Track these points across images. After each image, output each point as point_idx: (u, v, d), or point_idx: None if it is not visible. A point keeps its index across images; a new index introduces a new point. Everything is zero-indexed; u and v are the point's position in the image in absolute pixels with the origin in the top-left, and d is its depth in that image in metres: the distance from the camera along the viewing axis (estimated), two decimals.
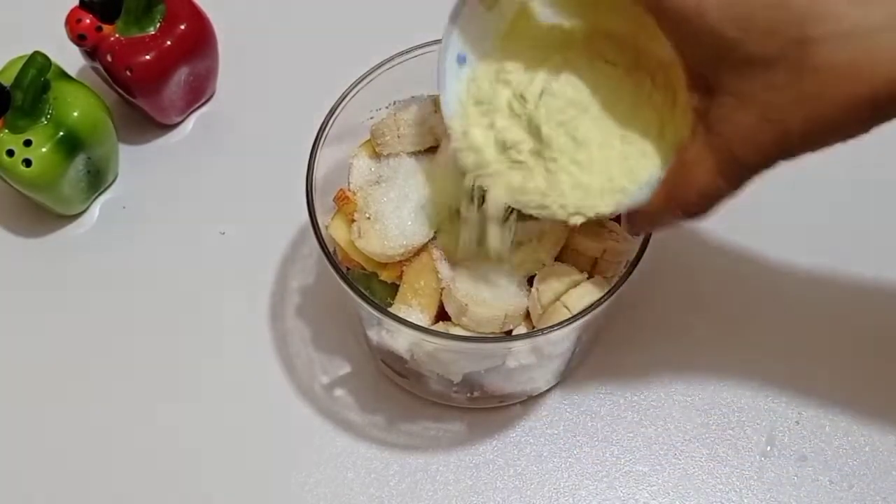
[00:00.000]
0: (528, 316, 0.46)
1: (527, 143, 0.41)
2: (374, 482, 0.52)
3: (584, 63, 0.41)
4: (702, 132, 0.37)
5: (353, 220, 0.47)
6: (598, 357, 0.55)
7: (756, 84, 0.34)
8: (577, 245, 0.46)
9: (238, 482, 0.52)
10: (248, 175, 0.61)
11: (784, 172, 0.60)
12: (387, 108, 0.50)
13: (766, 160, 0.36)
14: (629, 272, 0.44)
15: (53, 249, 0.59)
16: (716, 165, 0.37)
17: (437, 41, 0.49)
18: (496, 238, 0.43)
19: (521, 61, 0.42)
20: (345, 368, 0.55)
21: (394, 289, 0.47)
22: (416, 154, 0.48)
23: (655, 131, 0.40)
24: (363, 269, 0.47)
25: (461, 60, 0.42)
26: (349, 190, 0.48)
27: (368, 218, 0.46)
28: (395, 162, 0.48)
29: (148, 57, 0.57)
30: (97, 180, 0.59)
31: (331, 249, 0.45)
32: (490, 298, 0.45)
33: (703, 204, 0.38)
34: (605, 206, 0.40)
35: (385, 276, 0.47)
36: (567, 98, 0.40)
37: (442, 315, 0.46)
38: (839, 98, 0.33)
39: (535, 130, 0.40)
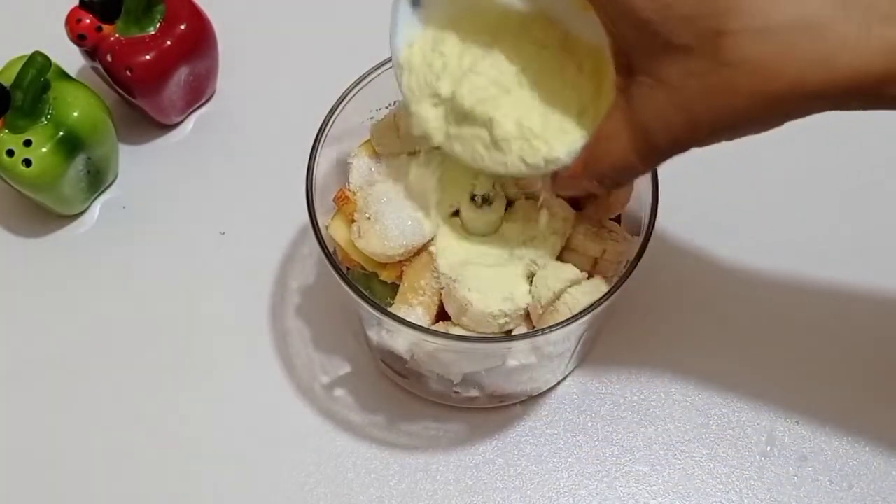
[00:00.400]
0: (528, 316, 0.46)
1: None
2: (374, 482, 0.52)
3: (512, 44, 0.42)
4: (621, 108, 0.38)
5: (353, 220, 0.47)
6: (598, 357, 0.55)
7: (672, 69, 0.35)
8: (577, 245, 0.46)
9: (238, 482, 0.52)
10: (248, 175, 0.61)
11: (785, 175, 0.60)
12: (387, 108, 0.50)
13: (675, 144, 0.37)
14: (629, 272, 0.44)
15: (53, 249, 0.59)
16: (630, 142, 0.38)
17: None
18: (477, 218, 0.45)
19: (457, 33, 0.43)
20: (345, 368, 0.55)
21: (394, 289, 0.47)
22: (416, 154, 0.48)
23: (575, 114, 0.41)
24: (363, 269, 0.47)
25: (416, 4, 0.43)
26: (349, 190, 0.48)
27: (368, 218, 0.46)
28: (395, 162, 0.48)
29: (148, 57, 0.57)
30: (97, 180, 0.59)
31: (331, 249, 0.45)
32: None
33: (615, 176, 0.40)
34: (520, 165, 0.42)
35: (385, 276, 0.47)
36: (490, 77, 0.41)
37: (442, 315, 0.46)
38: (747, 93, 0.33)
39: (458, 106, 0.42)
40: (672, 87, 0.35)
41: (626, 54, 0.37)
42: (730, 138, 0.36)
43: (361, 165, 0.49)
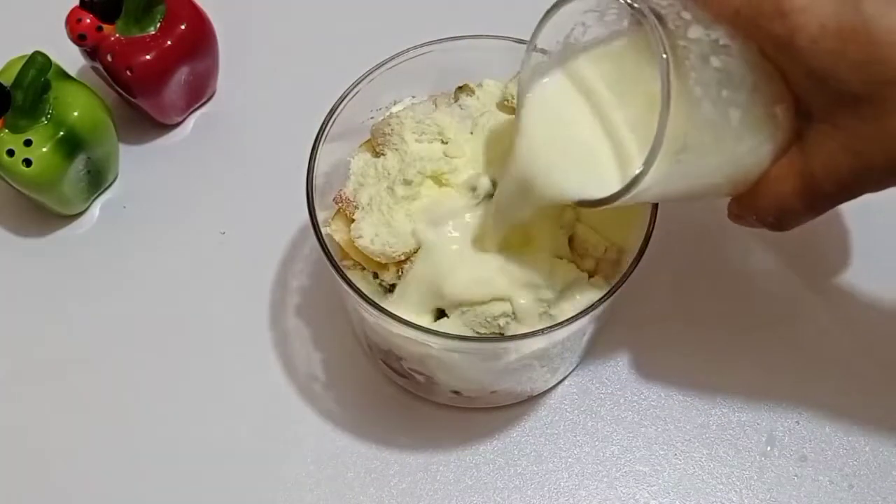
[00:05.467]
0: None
1: None
2: (374, 482, 0.52)
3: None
4: (794, 154, 0.38)
5: (353, 220, 0.47)
6: (598, 357, 0.55)
7: (846, 114, 0.35)
8: (578, 245, 0.46)
9: (238, 482, 0.52)
10: (248, 175, 0.61)
11: None
12: (387, 107, 0.50)
13: (841, 190, 0.37)
14: (629, 272, 0.44)
15: (53, 249, 0.59)
16: (796, 186, 0.38)
17: (436, 41, 0.49)
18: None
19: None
20: (345, 368, 0.55)
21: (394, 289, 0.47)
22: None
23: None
24: (363, 268, 0.47)
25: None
26: (349, 190, 0.48)
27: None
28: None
29: (148, 57, 0.57)
30: (97, 180, 0.59)
31: (331, 249, 0.45)
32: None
33: (777, 218, 0.40)
34: None
35: (385, 276, 0.47)
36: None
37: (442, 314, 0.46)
38: None
39: None
40: (845, 132, 0.36)
41: (803, 100, 0.37)
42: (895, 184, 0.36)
43: (361, 165, 0.49)
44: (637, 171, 0.36)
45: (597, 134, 0.40)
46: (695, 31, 0.37)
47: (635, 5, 0.36)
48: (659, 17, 0.35)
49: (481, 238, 0.45)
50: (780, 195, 0.39)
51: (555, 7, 0.39)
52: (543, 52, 0.41)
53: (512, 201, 0.43)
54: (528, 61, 0.41)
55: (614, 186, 0.38)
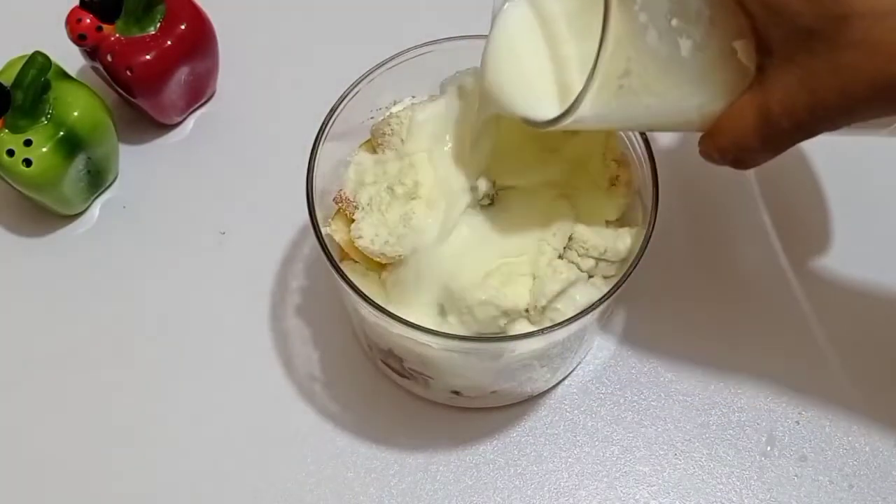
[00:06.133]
0: (527, 315, 0.46)
1: None
2: (374, 482, 0.52)
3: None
4: (754, 88, 0.38)
5: (353, 220, 0.47)
6: (599, 357, 0.55)
7: (801, 50, 0.35)
8: (578, 244, 0.46)
9: (238, 482, 0.52)
10: (248, 175, 0.61)
11: (786, 176, 0.60)
12: (387, 107, 0.50)
13: (797, 127, 0.37)
14: (629, 272, 0.44)
15: (53, 249, 0.59)
16: (754, 122, 0.38)
17: (436, 41, 0.49)
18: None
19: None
20: (345, 368, 0.55)
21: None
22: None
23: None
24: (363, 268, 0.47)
25: None
26: (349, 190, 0.48)
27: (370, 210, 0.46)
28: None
29: (148, 57, 0.57)
30: (97, 180, 0.59)
31: (331, 249, 0.45)
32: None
33: (736, 156, 0.39)
34: None
35: (385, 276, 0.47)
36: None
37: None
38: (871, 75, 0.33)
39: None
40: (801, 68, 0.35)
41: (762, 35, 0.37)
42: (849, 122, 0.36)
43: (361, 165, 0.49)
44: (576, 94, 0.37)
45: (545, 63, 0.41)
46: None
47: None
48: None
49: (461, 140, 0.46)
50: (739, 131, 0.38)
51: None
52: None
53: (481, 103, 0.44)
54: None
55: (557, 110, 0.39)
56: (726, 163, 0.40)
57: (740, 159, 0.40)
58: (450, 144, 0.47)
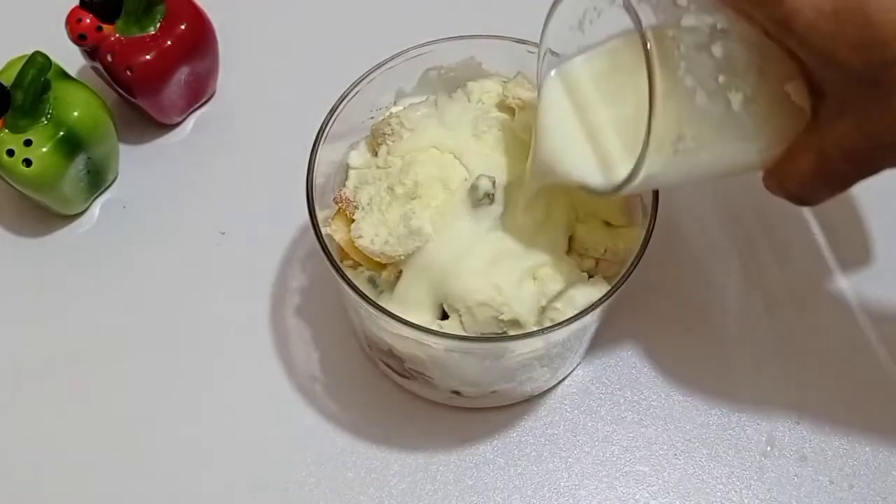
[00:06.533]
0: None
1: None
2: (374, 482, 0.52)
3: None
4: (810, 130, 0.38)
5: (353, 220, 0.47)
6: (598, 357, 0.55)
7: (854, 94, 0.35)
8: (579, 244, 0.46)
9: (238, 482, 0.52)
10: (248, 175, 0.61)
11: None
12: (387, 107, 0.50)
13: (856, 169, 0.37)
14: (629, 272, 0.44)
15: (53, 249, 0.59)
16: (812, 164, 0.38)
17: (436, 41, 0.49)
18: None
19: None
20: (345, 368, 0.55)
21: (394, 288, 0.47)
22: None
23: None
24: (363, 268, 0.47)
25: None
26: (349, 190, 0.48)
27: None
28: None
29: (148, 57, 0.57)
30: (97, 180, 0.59)
31: (331, 249, 0.45)
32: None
33: (798, 194, 0.39)
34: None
35: (385, 276, 0.47)
36: None
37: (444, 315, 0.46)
38: None
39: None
40: (855, 112, 0.35)
41: (814, 77, 0.37)
42: None
43: (361, 165, 0.49)
44: (628, 171, 0.37)
45: (581, 132, 0.41)
46: (689, 20, 0.37)
47: None
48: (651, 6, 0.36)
49: (513, 207, 0.46)
50: (798, 173, 0.39)
51: (554, 5, 0.40)
52: (554, 53, 0.42)
53: (534, 174, 0.44)
54: (540, 62, 0.42)
55: (612, 179, 0.39)
56: (792, 201, 0.40)
57: (804, 199, 0.40)
58: (450, 144, 0.47)
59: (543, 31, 0.42)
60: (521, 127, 0.47)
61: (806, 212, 0.59)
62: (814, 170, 0.38)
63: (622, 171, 0.38)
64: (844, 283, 0.57)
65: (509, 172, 0.46)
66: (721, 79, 0.37)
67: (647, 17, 0.36)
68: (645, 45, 0.35)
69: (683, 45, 0.36)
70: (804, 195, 0.40)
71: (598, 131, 0.41)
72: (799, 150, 0.38)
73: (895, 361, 0.54)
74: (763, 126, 0.38)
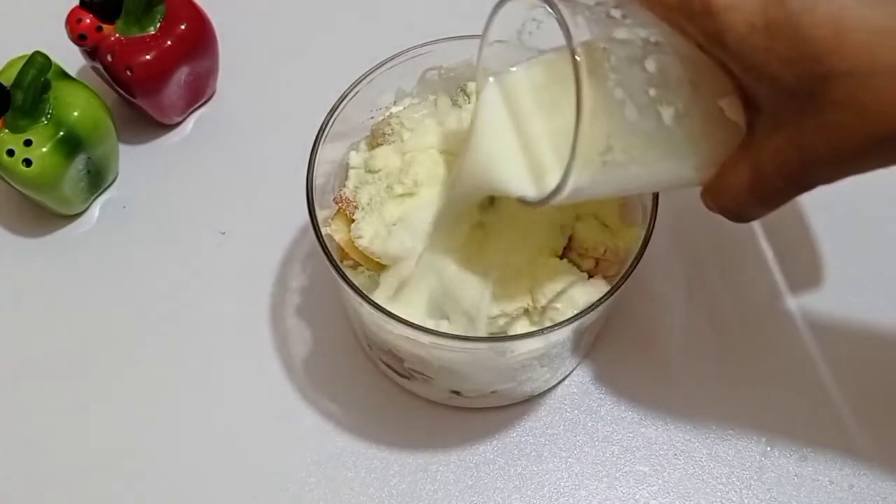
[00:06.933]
0: (528, 315, 0.46)
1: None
2: (374, 482, 0.52)
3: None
4: (745, 145, 0.38)
5: (353, 220, 0.47)
6: (599, 357, 0.55)
7: (787, 109, 0.35)
8: (578, 244, 0.46)
9: (238, 482, 0.52)
10: (248, 175, 0.61)
11: None
12: (387, 107, 0.50)
13: (791, 184, 0.36)
14: (629, 272, 0.44)
15: (53, 249, 0.59)
16: (747, 179, 0.37)
17: (436, 41, 0.49)
18: None
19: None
20: (345, 368, 0.55)
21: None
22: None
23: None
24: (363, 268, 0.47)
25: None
26: (349, 190, 0.48)
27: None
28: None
29: (148, 57, 0.57)
30: (97, 180, 0.59)
31: (331, 249, 0.45)
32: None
33: (734, 212, 0.39)
34: None
35: (385, 276, 0.47)
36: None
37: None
38: (859, 134, 0.33)
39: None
40: (789, 127, 0.35)
41: (749, 92, 0.37)
42: (844, 177, 0.36)
43: (361, 165, 0.49)
44: (556, 182, 0.37)
45: (516, 141, 0.41)
46: (622, 32, 0.36)
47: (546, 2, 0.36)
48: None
49: (441, 229, 0.45)
50: (734, 188, 0.38)
51: (497, 6, 0.40)
52: (500, 41, 0.41)
53: (464, 186, 0.44)
54: (480, 55, 0.41)
55: (543, 191, 0.39)
56: (727, 217, 0.40)
57: (739, 215, 0.39)
58: (450, 144, 0.47)
59: (482, 40, 0.41)
60: None
61: (803, 216, 0.59)
62: (748, 185, 0.38)
63: (551, 182, 0.38)
64: (843, 284, 0.57)
65: None
66: (652, 92, 0.36)
67: (581, 30, 0.35)
68: (574, 56, 0.34)
69: (615, 57, 0.36)
70: (739, 211, 0.39)
71: (533, 142, 0.40)
72: (733, 165, 0.38)
73: (895, 361, 0.54)
74: (697, 141, 0.38)
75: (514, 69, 0.41)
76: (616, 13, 0.37)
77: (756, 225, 0.58)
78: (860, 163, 0.35)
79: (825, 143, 0.34)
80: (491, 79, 0.42)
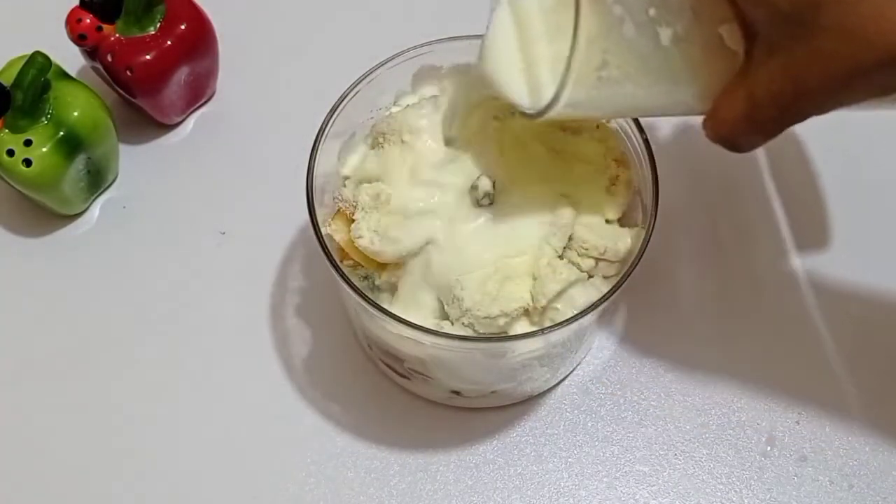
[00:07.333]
0: (528, 315, 0.46)
1: None
2: (374, 482, 0.52)
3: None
4: (742, 73, 0.38)
5: (353, 220, 0.47)
6: (599, 357, 0.55)
7: (782, 35, 0.35)
8: (578, 244, 0.46)
9: (238, 482, 0.52)
10: (248, 175, 0.61)
11: (787, 179, 0.60)
12: (387, 107, 0.50)
13: (784, 113, 0.37)
14: (629, 272, 0.44)
15: (53, 249, 0.59)
16: (743, 108, 0.38)
17: (436, 41, 0.49)
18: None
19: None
20: (345, 368, 0.55)
21: (394, 288, 0.47)
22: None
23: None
24: (363, 268, 0.47)
25: None
26: (349, 190, 0.48)
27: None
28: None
29: (148, 57, 0.57)
30: (97, 180, 0.59)
31: (331, 249, 0.45)
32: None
33: (731, 141, 0.39)
34: None
35: (385, 276, 0.47)
36: None
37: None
38: (848, 62, 0.33)
39: None
40: (783, 54, 0.35)
41: (746, 19, 0.37)
42: (836, 107, 0.36)
43: (361, 164, 0.49)
44: (552, 91, 0.37)
45: (520, 55, 0.41)
46: None
47: None
48: None
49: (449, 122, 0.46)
50: (730, 117, 0.38)
51: None
52: None
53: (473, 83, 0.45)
54: None
55: (541, 102, 0.39)
56: (724, 146, 0.40)
57: (735, 144, 0.40)
58: (450, 143, 0.47)
59: None
60: (520, 126, 0.47)
61: (810, 214, 0.59)
62: (744, 113, 0.38)
63: (547, 95, 0.38)
64: (844, 284, 0.57)
65: (512, 171, 0.46)
66: (652, 12, 0.37)
67: None
68: None
69: None
70: (735, 140, 0.39)
71: (536, 63, 0.41)
72: (730, 93, 0.38)
73: (895, 361, 0.54)
74: (696, 68, 0.38)
75: None
76: None
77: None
78: (849, 92, 0.35)
79: (816, 71, 0.34)
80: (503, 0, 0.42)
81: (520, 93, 0.41)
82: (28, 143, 0.54)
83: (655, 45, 0.37)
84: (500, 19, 0.42)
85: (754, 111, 0.37)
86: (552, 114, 0.38)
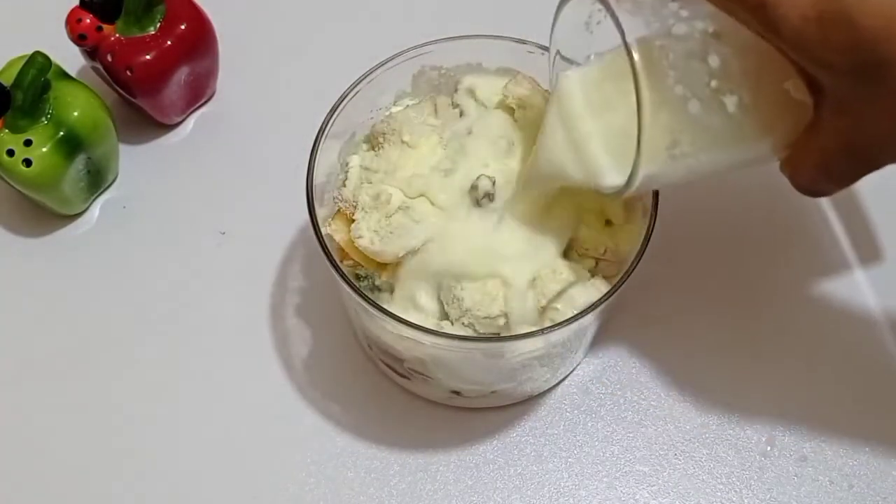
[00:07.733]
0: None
1: None
2: (374, 482, 0.52)
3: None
4: (813, 126, 0.38)
5: (353, 220, 0.47)
6: (599, 357, 0.55)
7: (849, 93, 0.35)
8: (579, 244, 0.46)
9: (238, 482, 0.52)
10: (248, 175, 0.61)
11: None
12: (387, 108, 0.50)
13: (858, 165, 0.38)
14: (629, 272, 0.44)
15: (53, 249, 0.59)
16: (816, 160, 0.38)
17: (436, 41, 0.49)
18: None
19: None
20: (345, 368, 0.55)
21: (394, 288, 0.47)
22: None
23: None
24: (363, 268, 0.47)
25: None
26: (349, 190, 0.48)
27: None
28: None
29: (148, 57, 0.57)
30: (97, 180, 0.59)
31: (331, 249, 0.45)
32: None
33: (809, 186, 0.40)
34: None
35: (385, 276, 0.47)
36: None
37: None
38: None
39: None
40: (852, 110, 0.36)
41: (810, 76, 0.37)
42: None
43: (361, 165, 0.49)
44: (625, 179, 0.38)
45: (586, 134, 0.42)
46: (680, 27, 0.37)
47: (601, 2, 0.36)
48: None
49: (515, 206, 0.46)
50: (805, 168, 0.39)
51: (558, 8, 0.41)
52: (566, 60, 0.43)
53: (538, 175, 0.45)
54: (551, 65, 0.43)
55: (617, 182, 0.40)
56: (803, 193, 0.41)
57: (813, 192, 0.41)
58: (450, 143, 0.47)
59: (552, 32, 0.42)
60: (520, 126, 0.47)
61: (804, 215, 0.59)
62: (818, 165, 0.39)
63: (619, 177, 0.39)
64: (845, 284, 0.57)
65: (509, 172, 0.46)
66: (714, 84, 0.37)
67: (638, 28, 0.36)
68: (630, 54, 0.35)
69: (672, 53, 0.36)
70: (813, 188, 0.41)
71: (609, 136, 0.41)
72: (803, 146, 0.39)
73: (895, 361, 0.54)
74: (767, 126, 0.39)
75: (586, 65, 0.42)
76: (673, 6, 0.37)
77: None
78: None
79: (886, 127, 0.35)
80: (563, 73, 0.42)
81: (597, 172, 0.41)
82: (28, 143, 0.54)
83: (723, 115, 0.37)
84: (562, 96, 0.42)
85: (828, 163, 0.38)
86: (630, 192, 0.39)
